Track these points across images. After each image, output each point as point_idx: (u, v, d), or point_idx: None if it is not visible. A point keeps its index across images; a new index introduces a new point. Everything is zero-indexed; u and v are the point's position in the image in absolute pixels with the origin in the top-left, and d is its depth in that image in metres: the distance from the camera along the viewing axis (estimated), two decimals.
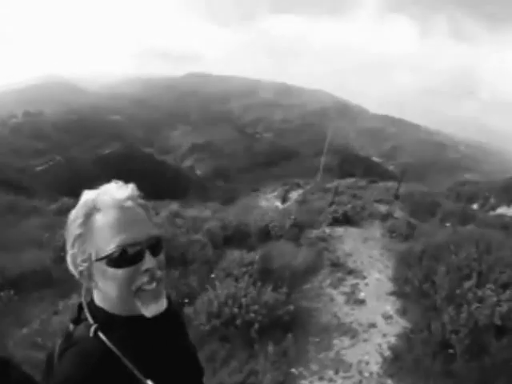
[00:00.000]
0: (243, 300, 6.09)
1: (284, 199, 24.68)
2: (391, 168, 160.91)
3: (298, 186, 27.65)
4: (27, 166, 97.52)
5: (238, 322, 5.95)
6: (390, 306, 7.05)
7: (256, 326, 5.89)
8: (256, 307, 5.98)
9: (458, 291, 6.07)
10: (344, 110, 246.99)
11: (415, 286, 6.94)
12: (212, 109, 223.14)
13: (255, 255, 7.47)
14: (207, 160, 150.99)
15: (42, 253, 8.93)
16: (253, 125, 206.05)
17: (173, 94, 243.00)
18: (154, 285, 1.21)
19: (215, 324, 6.03)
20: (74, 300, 6.45)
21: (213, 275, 7.00)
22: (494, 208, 22.72)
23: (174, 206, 11.89)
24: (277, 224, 9.91)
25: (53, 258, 8.44)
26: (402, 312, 6.82)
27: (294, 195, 24.66)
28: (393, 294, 7.39)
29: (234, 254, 7.58)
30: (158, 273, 1.23)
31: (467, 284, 6.11)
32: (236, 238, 9.50)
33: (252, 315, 5.94)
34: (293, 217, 10.38)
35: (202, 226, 9.62)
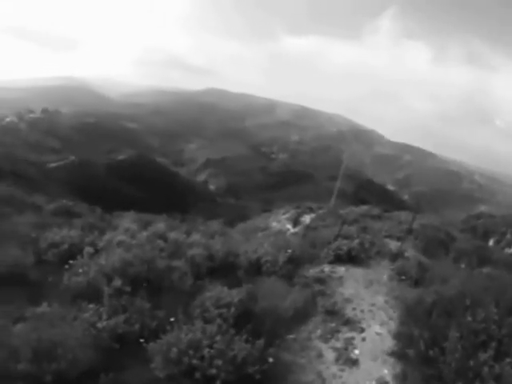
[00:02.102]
0: (206, 351, 5.11)
1: (296, 222, 23.88)
2: (406, 198, 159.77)
3: (311, 209, 26.70)
4: (40, 161, 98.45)
5: (198, 375, 5.02)
6: (387, 370, 5.95)
7: (218, 383, 4.94)
8: (220, 362, 4.98)
9: (471, 363, 5.05)
10: (359, 135, 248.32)
11: (420, 349, 5.79)
12: (228, 125, 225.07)
13: (236, 295, 6.38)
14: (221, 176, 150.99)
15: (22, 252, 8.04)
16: (268, 144, 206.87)
17: (191, 107, 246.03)
18: None
19: (172, 372, 5.14)
20: (43, 308, 5.87)
21: (172, 319, 5.91)
22: (510, 245, 21.77)
23: (161, 225, 10.89)
24: (269, 259, 8.79)
25: (33, 260, 7.94)
26: (402, 379, 5.74)
27: (307, 219, 23.89)
28: (393, 354, 6.26)
29: (213, 291, 6.50)
30: None
31: (483, 355, 5.07)
32: (223, 269, 8.42)
33: (214, 371, 4.95)
34: (289, 251, 9.25)
35: (185, 252, 8.59)
